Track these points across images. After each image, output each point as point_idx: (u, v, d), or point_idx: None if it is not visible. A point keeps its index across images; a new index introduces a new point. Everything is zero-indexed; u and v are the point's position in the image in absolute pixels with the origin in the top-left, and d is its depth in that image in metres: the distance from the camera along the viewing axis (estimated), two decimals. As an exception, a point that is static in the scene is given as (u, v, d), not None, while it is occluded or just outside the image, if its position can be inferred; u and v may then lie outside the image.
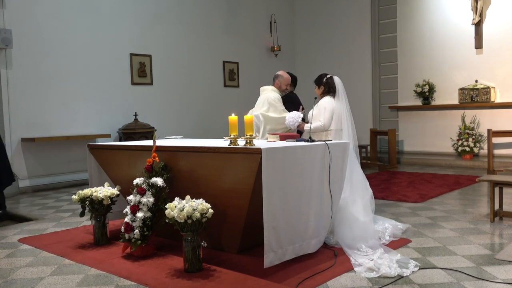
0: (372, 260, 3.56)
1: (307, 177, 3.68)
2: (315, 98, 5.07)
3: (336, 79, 4.87)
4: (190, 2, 10.05)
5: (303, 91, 6.07)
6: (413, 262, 3.49)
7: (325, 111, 4.74)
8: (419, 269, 3.41)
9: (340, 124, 4.73)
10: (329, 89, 4.84)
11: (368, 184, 4.67)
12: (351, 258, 3.66)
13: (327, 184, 3.86)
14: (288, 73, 5.77)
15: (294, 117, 4.95)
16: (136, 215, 3.88)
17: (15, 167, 7.52)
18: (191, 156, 3.96)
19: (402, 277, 3.27)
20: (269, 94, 5.40)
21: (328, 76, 4.89)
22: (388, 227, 4.43)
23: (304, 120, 5.07)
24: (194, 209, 3.40)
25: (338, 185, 3.99)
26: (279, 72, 5.65)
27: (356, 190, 4.39)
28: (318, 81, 4.93)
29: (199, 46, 10.19)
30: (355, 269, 3.45)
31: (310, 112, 4.94)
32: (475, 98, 9.46)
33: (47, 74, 7.88)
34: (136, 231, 3.85)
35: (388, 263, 3.44)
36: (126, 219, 3.91)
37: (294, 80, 5.99)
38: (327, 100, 4.82)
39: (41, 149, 7.82)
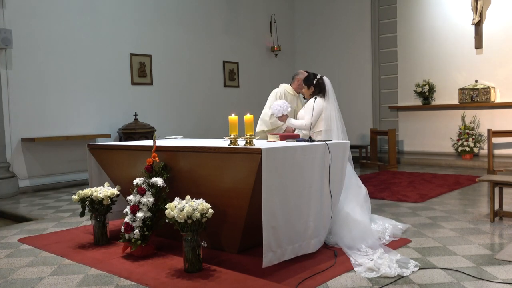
0: (372, 260, 3.56)
1: (307, 177, 3.68)
2: (304, 98, 5.05)
3: (326, 79, 4.77)
4: (190, 2, 10.05)
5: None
6: (413, 262, 3.50)
7: (312, 112, 4.60)
8: (419, 269, 3.41)
9: (329, 125, 4.66)
10: (320, 90, 4.73)
11: (360, 181, 4.67)
12: (351, 258, 3.66)
13: (327, 184, 3.86)
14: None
15: (282, 106, 4.76)
16: (136, 215, 3.88)
17: (15, 167, 7.53)
18: (191, 156, 3.96)
19: (402, 277, 3.27)
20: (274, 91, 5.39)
21: (318, 76, 4.76)
22: (388, 227, 4.43)
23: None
24: (194, 209, 3.41)
25: (338, 185, 3.99)
26: (299, 71, 5.42)
27: (350, 189, 4.38)
28: (308, 82, 4.79)
29: (199, 46, 10.19)
30: (355, 269, 3.45)
31: (300, 112, 4.90)
32: (475, 98, 9.46)
33: (47, 74, 7.88)
34: (136, 231, 3.85)
35: (388, 263, 3.44)
36: (126, 219, 3.91)
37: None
38: (317, 102, 4.66)
39: (41, 149, 7.82)
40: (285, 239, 3.50)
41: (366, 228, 4.15)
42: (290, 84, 5.40)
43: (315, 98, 4.66)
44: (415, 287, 3.09)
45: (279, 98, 5.22)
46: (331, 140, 4.16)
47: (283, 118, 4.84)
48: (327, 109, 4.71)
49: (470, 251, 3.80)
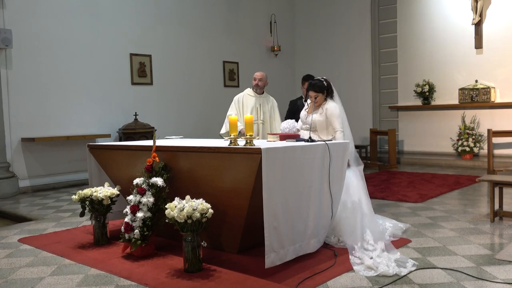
0: (371, 258, 3.58)
1: (307, 177, 3.68)
2: (307, 102, 4.74)
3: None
4: (190, 2, 10.05)
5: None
6: (411, 261, 3.50)
7: (337, 118, 4.43)
8: (419, 269, 3.41)
9: (346, 125, 4.55)
10: (332, 92, 4.56)
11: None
12: (350, 256, 3.67)
13: (327, 184, 3.86)
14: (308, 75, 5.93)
15: (289, 127, 4.65)
16: (136, 215, 3.89)
17: (15, 167, 7.53)
18: (191, 156, 3.96)
19: (400, 276, 3.27)
20: None
21: (322, 78, 4.58)
22: (389, 227, 4.43)
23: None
24: (194, 209, 3.41)
25: (338, 185, 3.99)
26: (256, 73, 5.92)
27: (357, 182, 4.38)
28: (321, 88, 4.49)
29: (199, 46, 10.19)
30: (354, 267, 3.46)
31: (309, 117, 4.53)
32: (475, 98, 9.46)
33: (47, 74, 7.88)
34: (136, 231, 3.85)
35: (387, 262, 3.45)
36: (126, 219, 3.92)
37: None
38: (335, 106, 4.50)
39: (41, 149, 7.82)
40: (287, 240, 3.50)
41: (370, 208, 4.22)
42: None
43: (326, 101, 4.51)
44: (415, 287, 3.09)
45: (236, 102, 5.82)
46: (331, 140, 4.16)
47: (296, 135, 4.54)
48: (342, 111, 4.54)
49: (470, 251, 3.80)
